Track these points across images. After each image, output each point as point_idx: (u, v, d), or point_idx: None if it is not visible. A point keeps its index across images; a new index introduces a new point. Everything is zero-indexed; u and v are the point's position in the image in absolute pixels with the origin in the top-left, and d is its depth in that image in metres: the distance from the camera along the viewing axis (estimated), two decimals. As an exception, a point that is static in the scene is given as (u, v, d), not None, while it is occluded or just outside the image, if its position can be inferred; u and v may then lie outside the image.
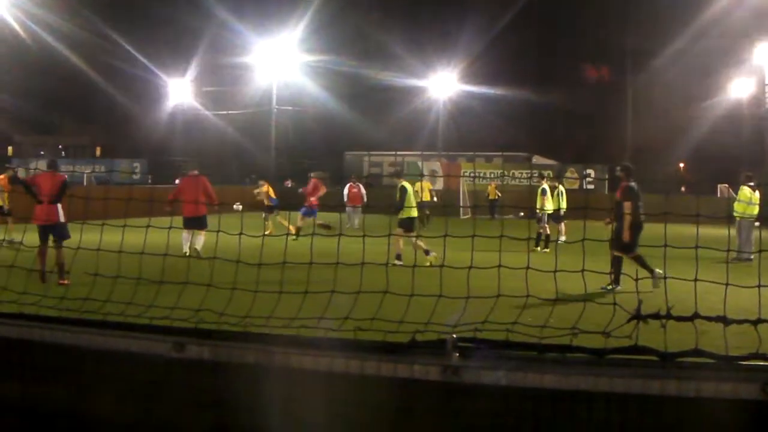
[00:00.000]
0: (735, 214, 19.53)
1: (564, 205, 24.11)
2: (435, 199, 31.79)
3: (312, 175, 25.42)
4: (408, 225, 17.21)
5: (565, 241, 20.66)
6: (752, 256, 17.72)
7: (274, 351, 2.78)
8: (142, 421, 2.94)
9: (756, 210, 19.66)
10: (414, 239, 16.40)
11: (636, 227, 13.79)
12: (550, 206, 22.36)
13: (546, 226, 22.24)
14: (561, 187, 24.85)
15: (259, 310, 3.43)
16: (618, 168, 15.19)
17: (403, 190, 17.20)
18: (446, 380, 2.57)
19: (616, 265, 13.29)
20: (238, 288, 3.53)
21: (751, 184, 19.91)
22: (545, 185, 23.21)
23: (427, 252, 16.03)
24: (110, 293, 3.59)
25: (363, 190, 30.41)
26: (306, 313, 3.27)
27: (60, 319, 3.15)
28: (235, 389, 2.82)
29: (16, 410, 3.07)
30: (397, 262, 15.49)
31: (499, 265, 3.30)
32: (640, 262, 13.32)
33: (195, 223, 17.07)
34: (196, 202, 17.14)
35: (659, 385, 2.41)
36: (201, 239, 17.22)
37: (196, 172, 18.98)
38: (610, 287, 12.68)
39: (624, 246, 13.49)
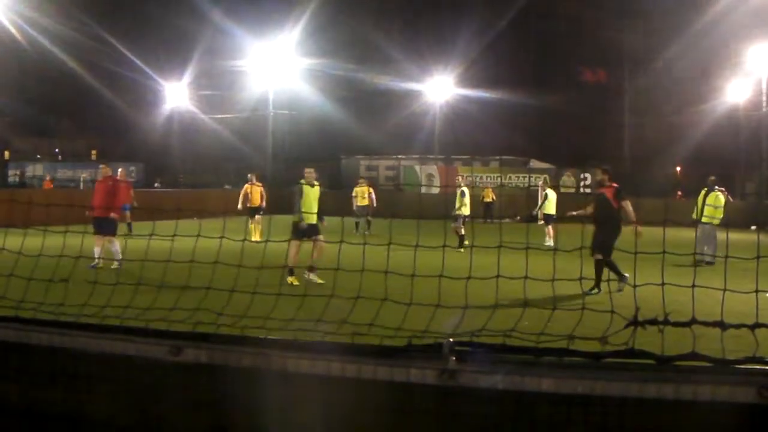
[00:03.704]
0: (705, 218, 19.77)
1: (551, 209, 25.58)
2: (374, 204, 29.95)
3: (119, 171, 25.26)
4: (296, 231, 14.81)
5: (550, 246, 21.59)
6: (714, 260, 18.14)
7: (271, 354, 2.78)
8: (139, 424, 2.93)
9: (721, 214, 20.11)
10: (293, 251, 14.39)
11: (618, 229, 13.69)
12: (467, 209, 22.87)
13: (461, 226, 22.75)
14: (547, 191, 26.40)
15: (256, 314, 3.43)
16: (601, 170, 14.99)
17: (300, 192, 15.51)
18: (443, 384, 2.57)
19: (600, 268, 13.21)
20: (236, 290, 3.53)
21: (716, 188, 20.48)
22: (464, 188, 23.65)
23: (291, 272, 13.92)
24: (109, 298, 3.59)
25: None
26: (303, 317, 3.27)
27: (57, 323, 3.15)
28: (232, 392, 2.82)
29: (15, 413, 3.07)
30: (288, 277, 13.88)
31: (498, 275, 3.30)
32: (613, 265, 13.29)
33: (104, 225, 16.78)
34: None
35: (656, 388, 2.41)
36: (110, 245, 16.78)
37: (109, 173, 18.47)
38: (595, 291, 12.36)
39: (609, 248, 13.01)
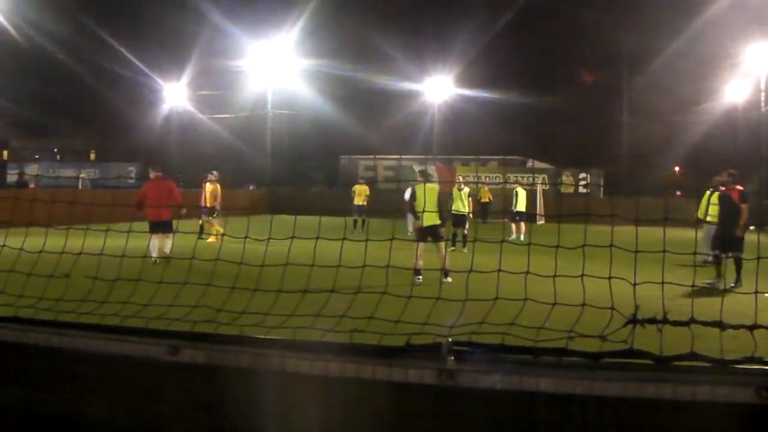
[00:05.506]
0: (710, 217, 20.02)
1: (520, 207, 27.73)
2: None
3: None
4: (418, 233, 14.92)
5: (514, 240, 24.06)
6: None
7: (270, 354, 2.77)
8: (137, 424, 2.93)
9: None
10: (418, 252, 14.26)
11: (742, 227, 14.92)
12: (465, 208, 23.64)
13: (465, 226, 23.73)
14: (516, 190, 28.62)
15: (256, 310, 3.44)
16: (727, 173, 16.12)
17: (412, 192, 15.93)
18: (441, 384, 2.56)
19: (738, 264, 14.05)
20: (236, 288, 3.53)
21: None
22: (465, 188, 24.45)
23: (447, 273, 13.25)
24: (107, 296, 3.59)
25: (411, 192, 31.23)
26: (303, 313, 3.28)
27: (55, 323, 3.15)
28: (231, 393, 2.82)
29: (13, 413, 3.06)
30: (418, 279, 13.51)
31: (499, 270, 3.30)
32: (720, 263, 14.36)
33: (160, 227, 16.90)
34: (159, 205, 16.82)
35: (654, 389, 2.41)
36: (169, 243, 16.92)
37: (159, 174, 18.34)
38: (734, 284, 13.16)
39: (739, 245, 14.31)
